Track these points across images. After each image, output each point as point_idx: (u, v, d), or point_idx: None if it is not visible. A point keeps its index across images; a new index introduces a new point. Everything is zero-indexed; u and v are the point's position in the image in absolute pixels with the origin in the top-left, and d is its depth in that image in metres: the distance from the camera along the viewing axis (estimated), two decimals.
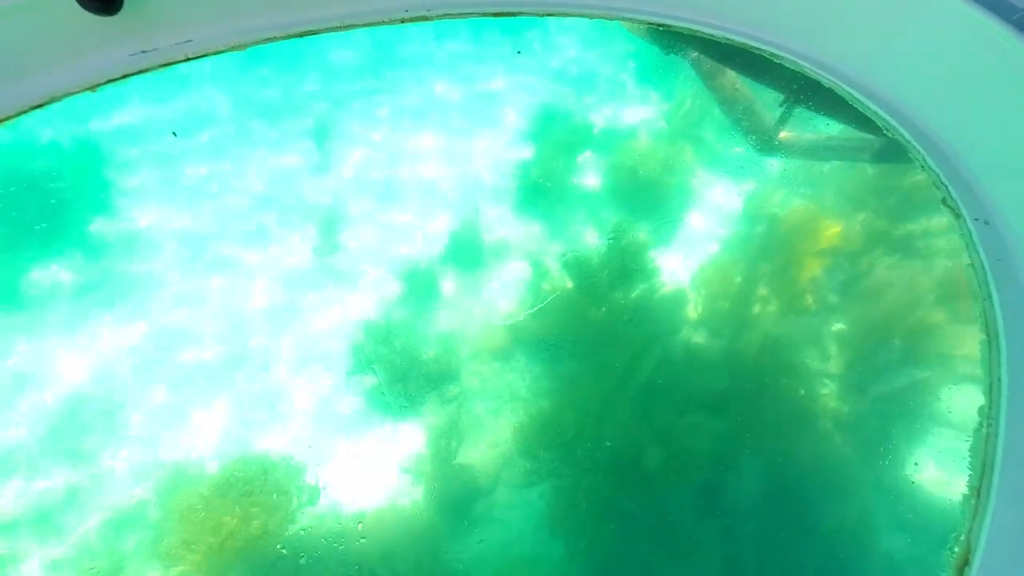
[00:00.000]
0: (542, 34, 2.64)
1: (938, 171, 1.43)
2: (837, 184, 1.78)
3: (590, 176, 2.12)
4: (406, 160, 2.32)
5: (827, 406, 1.36)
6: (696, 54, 2.15)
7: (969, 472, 0.91)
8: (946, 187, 1.39)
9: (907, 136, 1.54)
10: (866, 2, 1.63)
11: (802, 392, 1.39)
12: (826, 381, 1.42)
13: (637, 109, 2.32)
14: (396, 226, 2.16)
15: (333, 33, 1.77)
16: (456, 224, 2.07)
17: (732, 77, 2.12)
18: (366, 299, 1.93)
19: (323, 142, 2.38)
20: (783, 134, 1.96)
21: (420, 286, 1.91)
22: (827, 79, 1.69)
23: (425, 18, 1.87)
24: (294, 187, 2.25)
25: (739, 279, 1.61)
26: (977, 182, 1.37)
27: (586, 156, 2.18)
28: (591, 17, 2.00)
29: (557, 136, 2.22)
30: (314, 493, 1.51)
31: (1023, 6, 1.51)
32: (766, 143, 1.95)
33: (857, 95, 1.65)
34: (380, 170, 2.34)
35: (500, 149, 2.33)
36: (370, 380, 1.68)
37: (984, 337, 1.10)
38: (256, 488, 1.49)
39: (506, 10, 1.89)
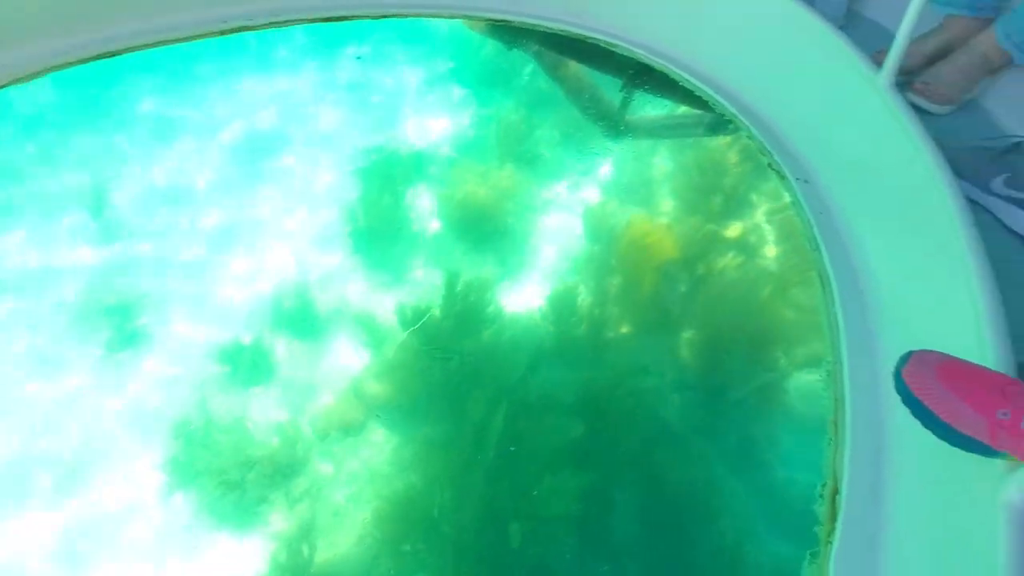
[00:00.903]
0: (375, 40, 2.41)
1: (761, 139, 1.58)
2: (677, 161, 1.90)
3: (425, 208, 1.88)
4: (202, 211, 1.87)
5: (690, 424, 1.40)
6: (538, 47, 2.20)
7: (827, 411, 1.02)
8: (770, 153, 1.54)
9: (732, 110, 1.68)
10: None
11: (664, 415, 1.41)
12: (686, 396, 1.45)
13: (477, 116, 2.13)
14: (204, 295, 1.71)
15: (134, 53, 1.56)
16: (277, 284, 1.70)
17: (575, 67, 2.19)
18: (177, 394, 1.53)
19: (98, 191, 1.84)
20: (628, 117, 2.06)
21: (244, 366, 1.56)
22: (657, 63, 1.81)
23: (248, 27, 1.71)
24: (62, 250, 1.72)
25: (588, 302, 1.59)
26: (795, 146, 1.52)
27: (420, 184, 1.93)
28: (431, 17, 1.96)
29: (388, 165, 1.95)
30: None
31: None
32: (613, 127, 2.03)
33: (685, 76, 1.77)
34: (173, 226, 1.82)
35: (320, 188, 1.95)
36: (197, 497, 1.36)
37: (819, 283, 1.23)
38: None
39: (339, 14, 1.78)
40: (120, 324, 1.62)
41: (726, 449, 1.35)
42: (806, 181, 1.44)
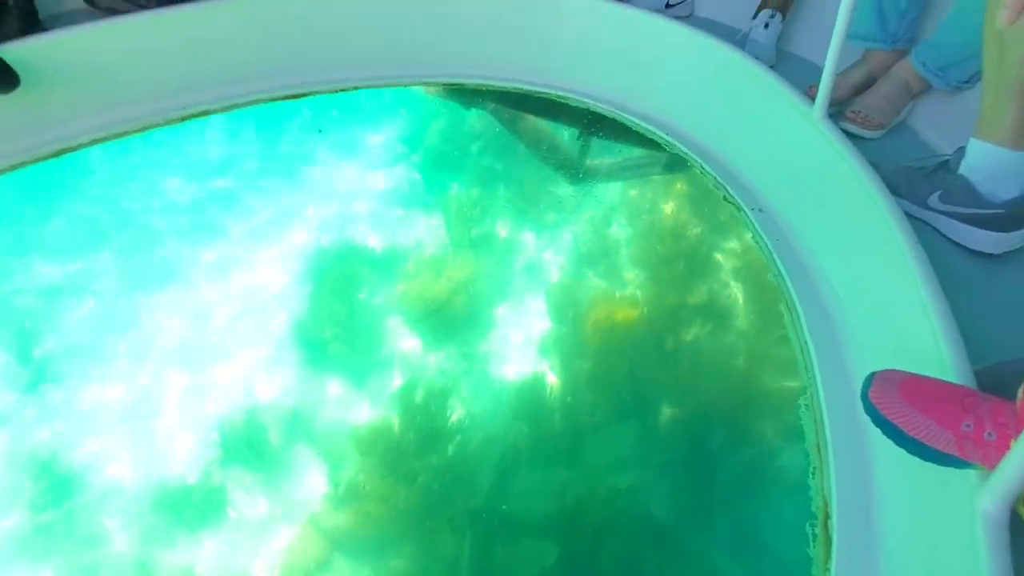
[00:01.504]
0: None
1: (714, 174, 1.65)
2: (639, 208, 1.92)
3: (379, 306, 1.71)
4: (133, 324, 1.63)
5: (678, 517, 1.32)
6: (494, 105, 2.29)
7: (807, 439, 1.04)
8: (724, 186, 1.61)
9: (684, 148, 1.77)
10: (617, 46, 1.87)
11: (649, 513, 1.33)
12: (670, 485, 1.35)
13: (432, 195, 2.00)
14: (139, 430, 1.48)
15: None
16: (221, 410, 1.50)
17: (531, 120, 2.28)
18: (113, 552, 1.30)
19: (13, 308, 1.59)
20: (587, 164, 2.14)
21: (190, 510, 1.38)
22: (607, 111, 1.90)
23: (205, 112, 1.75)
24: None
25: (558, 391, 1.49)
26: (746, 178, 1.60)
27: (373, 280, 1.77)
28: (386, 87, 2.03)
29: (339, 262, 1.78)
30: None
31: (743, 28, 1.84)
32: (574, 174, 2.10)
33: (636, 120, 1.86)
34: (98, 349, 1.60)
35: (264, 293, 1.73)
36: None
37: (784, 307, 1.28)
38: None
39: (297, 92, 1.84)
40: (47, 473, 1.39)
41: (721, 538, 1.25)
42: (760, 210, 1.50)
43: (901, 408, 0.66)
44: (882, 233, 1.08)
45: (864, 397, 0.71)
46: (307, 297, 1.72)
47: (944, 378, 0.78)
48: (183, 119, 1.73)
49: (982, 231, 1.12)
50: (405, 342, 1.65)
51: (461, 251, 1.87)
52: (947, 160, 1.17)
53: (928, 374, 0.76)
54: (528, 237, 1.87)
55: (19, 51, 1.45)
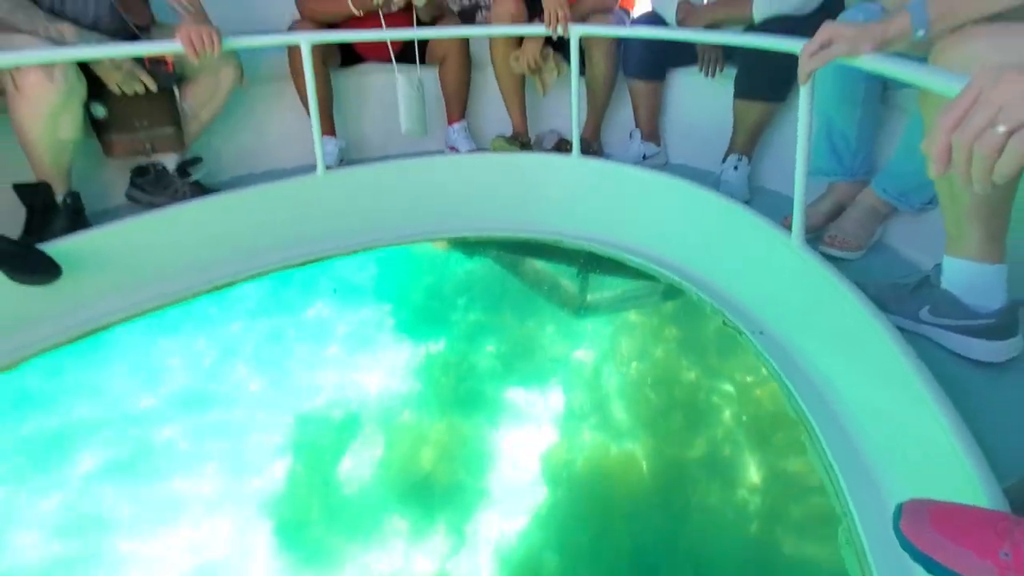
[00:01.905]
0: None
1: (711, 300, 1.73)
2: (640, 340, 1.94)
3: (363, 479, 1.62)
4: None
5: None
6: (496, 252, 2.45)
7: None
8: (722, 311, 1.68)
9: (677, 279, 1.86)
10: (604, 193, 2.06)
11: None
12: None
13: (425, 350, 1.92)
14: None
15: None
16: None
17: (531, 263, 2.42)
18: None
19: None
20: (586, 299, 2.23)
21: None
22: (600, 249, 2.04)
23: (232, 283, 1.88)
24: None
25: (553, 568, 1.39)
26: (742, 303, 1.67)
27: (356, 450, 1.69)
28: (397, 246, 2.19)
29: (322, 432, 1.70)
30: None
31: (715, 170, 2.04)
32: (576, 311, 2.19)
33: (629, 257, 1.99)
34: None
35: (239, 470, 1.65)
36: None
37: (804, 433, 1.26)
38: None
39: (311, 259, 1.99)
40: None
41: None
42: (761, 333, 1.55)
43: (935, 540, 0.64)
44: (883, 352, 1.11)
45: (896, 530, 0.69)
46: (281, 476, 1.62)
47: (975, 499, 0.76)
48: (210, 291, 1.85)
49: (978, 341, 1.14)
50: (385, 523, 1.52)
51: (455, 410, 1.82)
52: (928, 276, 1.24)
53: (958, 494, 0.74)
54: (510, 431, 1.73)
55: (64, 246, 1.61)
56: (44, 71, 1.52)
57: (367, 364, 1.96)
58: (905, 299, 1.26)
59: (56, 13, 1.64)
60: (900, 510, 0.71)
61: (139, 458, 1.69)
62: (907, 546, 0.67)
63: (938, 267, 1.21)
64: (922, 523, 0.67)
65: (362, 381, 1.90)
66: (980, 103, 0.54)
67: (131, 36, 1.81)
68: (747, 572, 1.32)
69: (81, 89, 1.64)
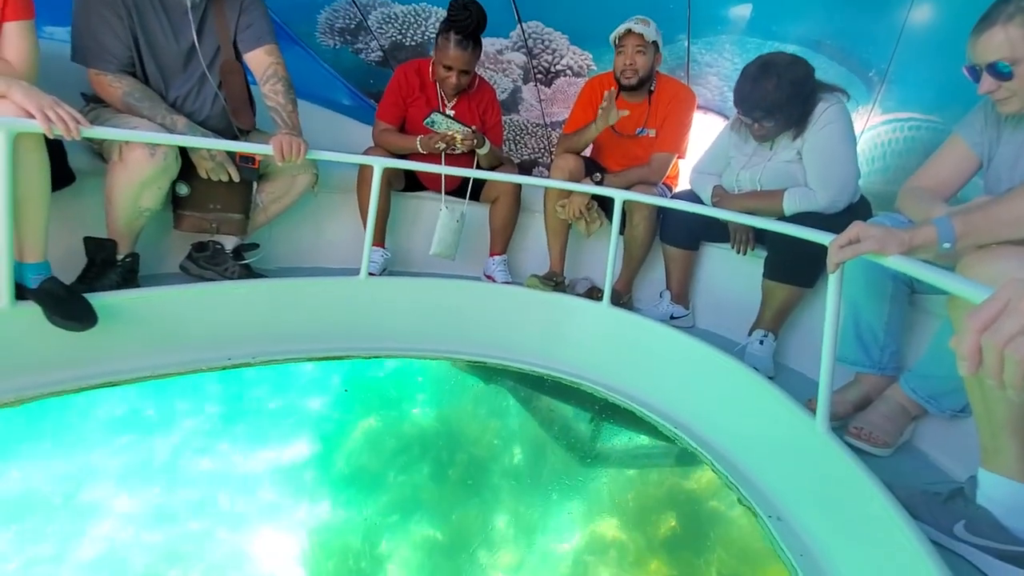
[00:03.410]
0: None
1: (726, 473, 1.64)
2: (650, 502, 1.83)
3: None
4: None
5: None
6: (512, 383, 2.42)
7: None
8: (737, 487, 1.58)
9: (693, 444, 1.79)
10: (627, 344, 2.08)
11: None
12: None
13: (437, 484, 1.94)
14: None
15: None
16: None
17: (546, 401, 2.38)
18: None
19: None
20: (597, 448, 2.15)
21: None
22: (616, 400, 2.00)
23: (248, 364, 1.89)
24: None
25: None
26: (758, 481, 1.57)
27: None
28: (416, 358, 2.21)
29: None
30: None
31: (740, 341, 2.04)
32: (585, 458, 2.09)
33: (644, 412, 1.94)
34: None
35: None
36: None
37: None
38: None
39: (333, 355, 2.01)
40: None
41: None
42: (779, 519, 1.44)
43: None
44: (915, 565, 1.01)
45: None
46: None
47: None
48: (224, 368, 1.87)
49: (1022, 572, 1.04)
50: None
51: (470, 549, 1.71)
52: (962, 487, 1.16)
53: None
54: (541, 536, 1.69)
55: (108, 299, 1.68)
56: (149, 148, 1.71)
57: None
58: (938, 510, 1.17)
59: (176, 108, 1.89)
60: None
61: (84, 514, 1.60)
62: None
63: (973, 479, 1.15)
64: None
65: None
66: (1010, 311, 0.55)
67: (233, 136, 2.05)
68: None
69: (175, 169, 1.83)
